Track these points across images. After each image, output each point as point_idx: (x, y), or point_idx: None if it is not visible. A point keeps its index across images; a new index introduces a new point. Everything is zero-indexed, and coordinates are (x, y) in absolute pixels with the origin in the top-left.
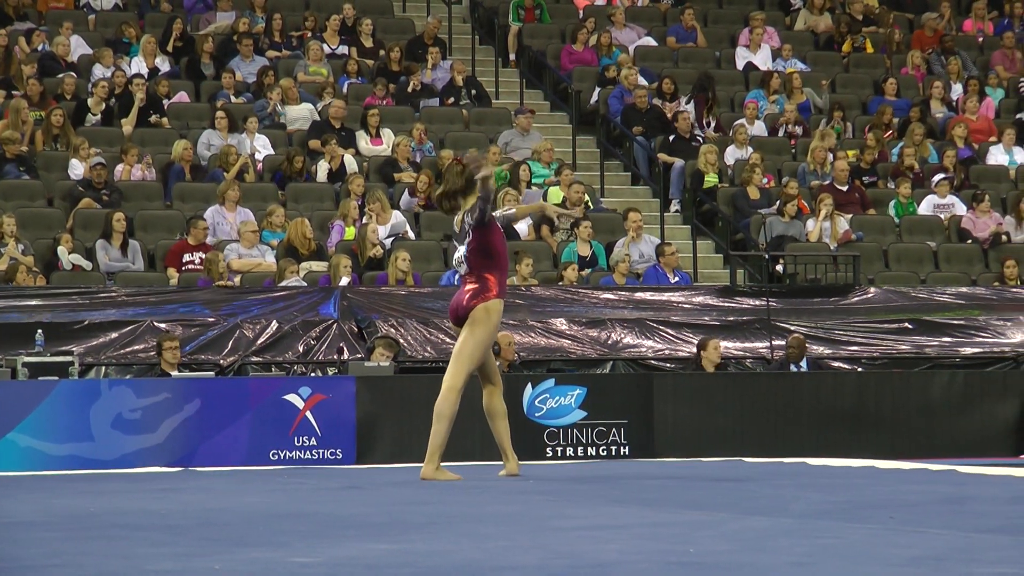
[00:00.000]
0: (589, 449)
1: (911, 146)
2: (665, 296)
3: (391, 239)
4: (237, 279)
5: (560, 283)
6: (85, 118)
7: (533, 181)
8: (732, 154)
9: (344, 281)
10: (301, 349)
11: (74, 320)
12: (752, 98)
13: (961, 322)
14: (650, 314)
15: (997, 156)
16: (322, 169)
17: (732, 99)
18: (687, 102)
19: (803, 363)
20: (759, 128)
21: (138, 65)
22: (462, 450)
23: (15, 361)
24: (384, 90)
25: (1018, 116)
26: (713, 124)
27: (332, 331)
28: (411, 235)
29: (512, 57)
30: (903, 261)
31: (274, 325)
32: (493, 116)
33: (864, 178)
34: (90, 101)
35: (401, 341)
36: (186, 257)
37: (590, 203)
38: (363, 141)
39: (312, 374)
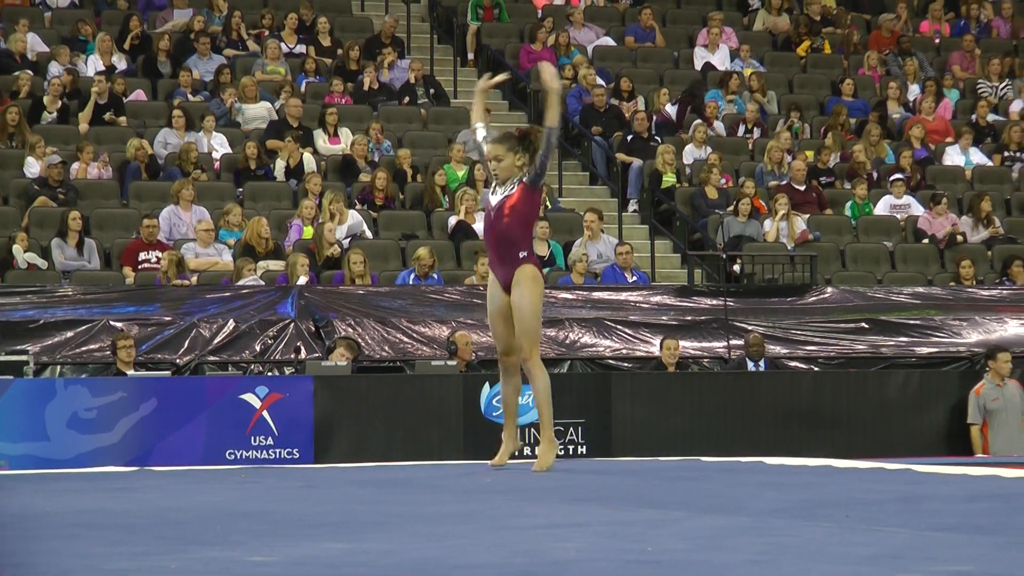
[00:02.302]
0: None
1: (867, 146)
2: (623, 296)
3: (348, 239)
4: (194, 278)
5: None
6: (41, 116)
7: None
8: (690, 154)
9: (302, 280)
10: (258, 348)
11: (29, 319)
12: (711, 98)
13: (917, 322)
14: (608, 314)
15: (953, 157)
16: (279, 167)
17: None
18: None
19: (761, 363)
20: (717, 128)
21: (94, 63)
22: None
23: None
24: (342, 87)
25: (973, 117)
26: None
27: (289, 330)
28: (368, 234)
29: (471, 56)
30: (860, 261)
31: (231, 324)
32: (451, 115)
33: (821, 178)
34: (46, 99)
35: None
36: (142, 256)
37: (548, 203)
38: (321, 140)
39: (269, 373)
